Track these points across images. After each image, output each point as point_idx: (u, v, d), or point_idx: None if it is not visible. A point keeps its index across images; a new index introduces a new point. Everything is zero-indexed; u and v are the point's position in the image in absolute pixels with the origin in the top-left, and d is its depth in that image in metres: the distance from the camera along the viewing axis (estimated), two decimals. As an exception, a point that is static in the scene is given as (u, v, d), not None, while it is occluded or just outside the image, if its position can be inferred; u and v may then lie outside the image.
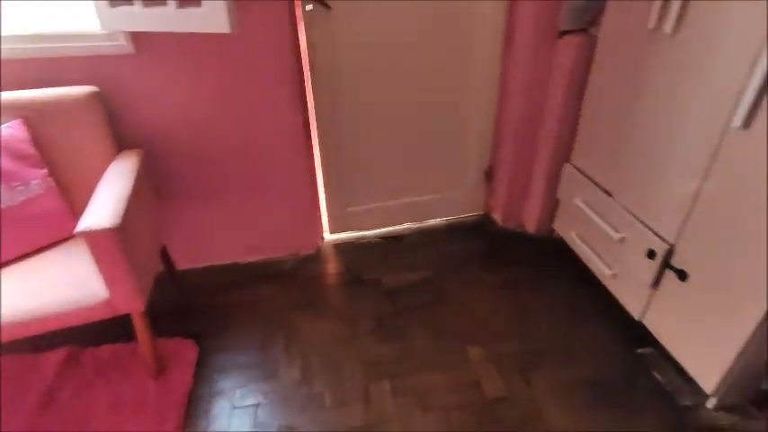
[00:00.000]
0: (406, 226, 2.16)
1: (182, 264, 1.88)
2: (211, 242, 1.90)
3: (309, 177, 1.85)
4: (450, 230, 2.15)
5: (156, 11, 1.29)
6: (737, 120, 1.09)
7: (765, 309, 1.09)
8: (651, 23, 1.29)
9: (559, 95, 1.74)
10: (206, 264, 1.95)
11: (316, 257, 2.01)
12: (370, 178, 1.98)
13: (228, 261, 1.96)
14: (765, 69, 1.01)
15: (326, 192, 1.96)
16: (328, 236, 2.11)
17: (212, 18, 1.26)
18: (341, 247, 2.07)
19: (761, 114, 1.05)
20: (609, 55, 1.53)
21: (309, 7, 1.54)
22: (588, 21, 1.60)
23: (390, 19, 1.63)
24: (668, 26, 1.24)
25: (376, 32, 1.65)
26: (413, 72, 1.76)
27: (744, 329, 1.15)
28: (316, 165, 1.92)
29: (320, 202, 2.01)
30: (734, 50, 1.09)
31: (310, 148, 1.83)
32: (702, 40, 1.17)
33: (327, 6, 1.53)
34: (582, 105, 1.71)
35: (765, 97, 1.03)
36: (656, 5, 1.26)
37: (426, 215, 2.17)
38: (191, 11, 1.26)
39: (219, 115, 1.61)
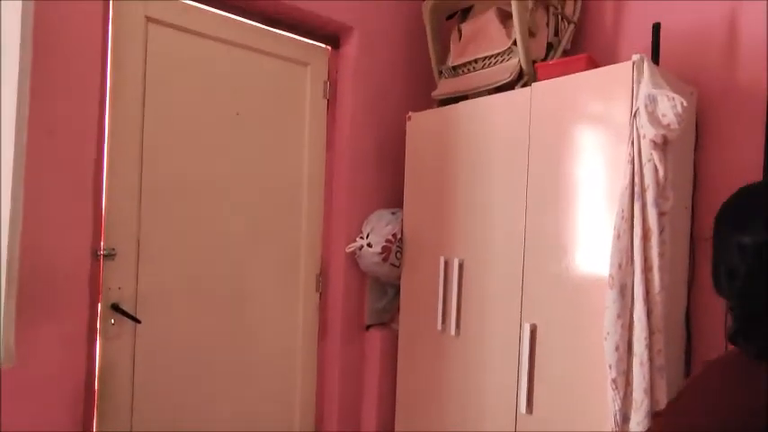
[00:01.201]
0: None
1: None
2: None
3: None
4: None
5: None
6: (521, 407, 1.35)
7: None
8: (438, 327, 1.62)
9: (375, 381, 1.87)
10: None
11: None
12: None
13: None
14: (527, 367, 1.34)
15: None
16: None
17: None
18: None
19: (537, 402, 1.33)
20: (409, 347, 1.79)
21: (113, 322, 1.41)
22: (388, 318, 1.91)
23: (206, 330, 1.61)
24: (452, 329, 1.58)
25: (191, 345, 1.57)
26: (230, 376, 1.67)
27: None
28: None
29: None
30: (504, 350, 1.43)
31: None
32: (479, 341, 1.51)
33: (136, 320, 1.43)
34: (396, 389, 1.85)
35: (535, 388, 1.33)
36: (438, 314, 1.62)
37: None
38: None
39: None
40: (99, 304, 1.39)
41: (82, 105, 1.29)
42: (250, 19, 1.67)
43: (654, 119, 1.08)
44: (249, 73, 1.68)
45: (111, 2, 1.36)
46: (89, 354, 1.35)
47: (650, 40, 1.39)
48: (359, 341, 1.91)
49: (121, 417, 1.43)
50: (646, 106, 1.09)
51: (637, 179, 1.11)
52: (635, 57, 1.15)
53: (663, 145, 1.10)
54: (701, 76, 1.47)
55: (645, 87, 1.10)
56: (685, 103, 1.06)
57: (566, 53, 1.70)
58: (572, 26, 1.71)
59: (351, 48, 1.84)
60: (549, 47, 1.66)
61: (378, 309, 1.90)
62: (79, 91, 1.28)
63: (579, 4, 1.74)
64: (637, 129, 1.12)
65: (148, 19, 1.44)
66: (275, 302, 1.79)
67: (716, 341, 1.41)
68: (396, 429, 1.84)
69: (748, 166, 1.36)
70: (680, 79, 1.37)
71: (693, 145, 1.43)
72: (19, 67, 0.97)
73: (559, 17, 1.69)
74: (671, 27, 1.52)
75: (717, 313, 1.42)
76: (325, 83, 1.87)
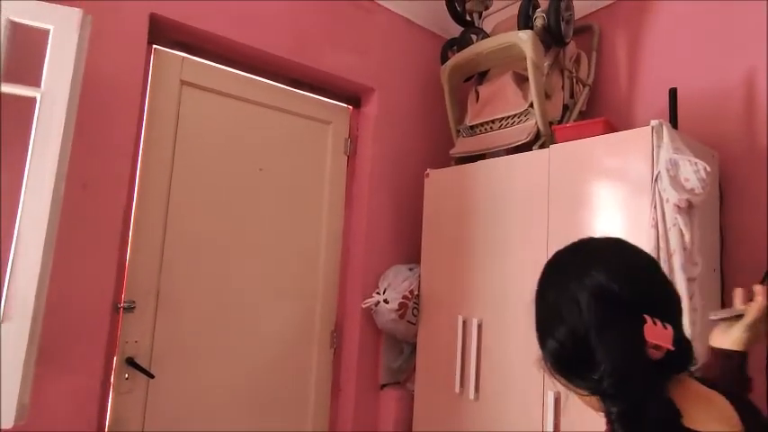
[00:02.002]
0: None
1: None
2: None
3: None
4: None
5: None
6: (548, 484, 1.26)
7: None
8: (456, 389, 1.56)
9: (388, 446, 1.78)
10: None
11: None
12: None
13: None
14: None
15: None
16: None
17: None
18: None
19: (564, 479, 1.24)
20: (425, 410, 1.72)
21: (126, 376, 1.39)
22: (404, 378, 1.85)
23: (219, 385, 1.57)
24: (471, 393, 1.51)
25: (203, 402, 1.53)
26: (239, 434, 1.62)
27: None
28: None
29: None
30: (526, 418, 1.36)
31: None
32: (500, 406, 1.44)
33: (150, 375, 1.41)
34: (410, 455, 1.76)
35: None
36: (456, 376, 1.56)
37: None
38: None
39: None
40: (115, 358, 1.38)
41: (116, 162, 1.35)
42: (277, 81, 1.76)
43: (677, 183, 1.08)
44: (273, 131, 1.75)
45: (150, 68, 1.46)
46: (101, 409, 1.32)
47: (666, 101, 1.41)
48: (373, 401, 1.84)
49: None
50: (668, 171, 1.09)
51: (662, 244, 1.09)
52: (653, 122, 1.16)
53: (688, 209, 1.09)
54: (721, 139, 1.47)
55: (666, 152, 1.11)
56: (709, 168, 1.06)
57: (582, 114, 1.73)
58: (587, 89, 1.75)
59: (371, 107, 1.92)
60: (565, 108, 1.70)
61: (393, 368, 1.84)
62: (114, 148, 1.35)
63: (593, 67, 1.80)
64: (659, 193, 1.11)
65: (183, 82, 1.53)
66: (290, 359, 1.75)
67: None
68: (411, 501, 1.73)
69: (776, 229, 1.33)
70: (700, 142, 1.37)
71: (719, 207, 1.41)
72: (64, 124, 1.02)
73: (574, 80, 1.74)
74: (688, 90, 1.55)
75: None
76: (347, 140, 1.93)
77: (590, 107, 1.78)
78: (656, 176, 1.12)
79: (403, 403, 1.80)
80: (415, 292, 1.76)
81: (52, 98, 0.99)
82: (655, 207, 1.11)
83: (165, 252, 1.48)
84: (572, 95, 1.74)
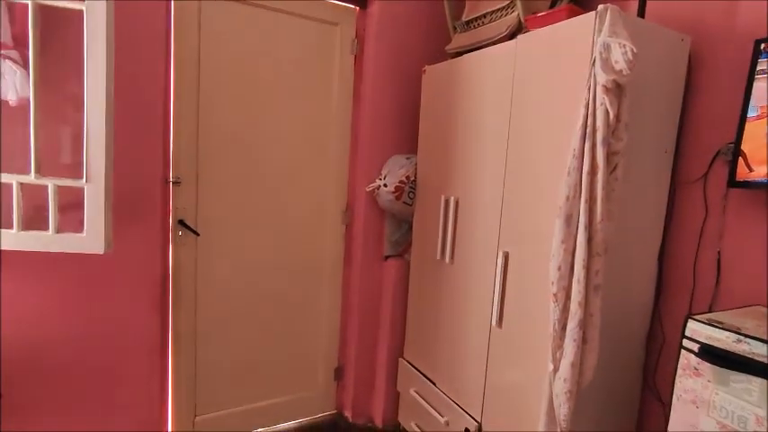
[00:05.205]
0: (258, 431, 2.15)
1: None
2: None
3: (158, 388, 1.84)
4: (304, 433, 2.19)
5: (34, 234, 1.45)
6: (493, 321, 1.59)
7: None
8: (438, 256, 1.87)
9: (389, 303, 2.19)
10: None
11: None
12: (222, 383, 2.03)
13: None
14: (500, 289, 1.55)
15: (174, 401, 1.93)
16: (172, 452, 1.96)
17: (90, 241, 1.47)
18: (185, 464, 1.92)
19: (506, 318, 1.55)
20: (417, 276, 2.07)
21: (180, 233, 1.85)
22: (402, 250, 2.19)
23: (250, 248, 2.01)
24: (447, 258, 1.82)
25: (238, 258, 1.99)
26: (268, 288, 2.08)
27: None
28: (167, 375, 1.93)
29: (168, 415, 1.94)
30: (485, 275, 1.65)
31: (165, 357, 1.88)
32: (467, 267, 1.74)
33: (196, 233, 1.86)
34: (407, 310, 2.16)
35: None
36: (438, 245, 1.86)
37: (279, 418, 2.20)
38: (69, 235, 1.46)
39: (75, 327, 1.65)
40: (170, 218, 1.83)
41: (150, 63, 1.68)
42: (286, -14, 1.94)
43: (607, 66, 1.19)
44: (286, 33, 1.97)
45: (172, -21, 1.71)
46: (164, 254, 1.80)
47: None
48: (378, 269, 2.22)
49: (188, 300, 1.90)
50: (600, 54, 1.20)
51: (590, 121, 1.24)
52: (600, 7, 1.24)
53: (616, 89, 1.21)
54: (700, 24, 1.48)
55: (602, 36, 1.21)
56: (635, 50, 1.15)
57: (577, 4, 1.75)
58: (582, -24, 1.75)
59: (375, 7, 2.04)
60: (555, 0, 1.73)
61: (392, 241, 2.18)
62: (147, 52, 1.67)
63: (594, -48, 1.76)
64: (594, 75, 1.23)
65: (202, -8, 1.78)
66: (308, 231, 2.15)
67: (686, 278, 1.51)
68: (405, 345, 2.15)
69: (734, 112, 1.39)
70: (672, 27, 1.41)
71: (682, 91, 1.47)
72: (106, 30, 1.34)
73: (570, -32, 1.74)
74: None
75: (689, 252, 1.51)
76: (353, 40, 2.10)
77: (586, -4, 1.78)
78: (594, 60, 1.23)
79: (401, 271, 2.16)
80: (411, 178, 2.02)
81: (93, 9, 1.29)
82: (588, 89, 1.24)
83: (200, 141, 1.85)
84: (566, -16, 1.75)
